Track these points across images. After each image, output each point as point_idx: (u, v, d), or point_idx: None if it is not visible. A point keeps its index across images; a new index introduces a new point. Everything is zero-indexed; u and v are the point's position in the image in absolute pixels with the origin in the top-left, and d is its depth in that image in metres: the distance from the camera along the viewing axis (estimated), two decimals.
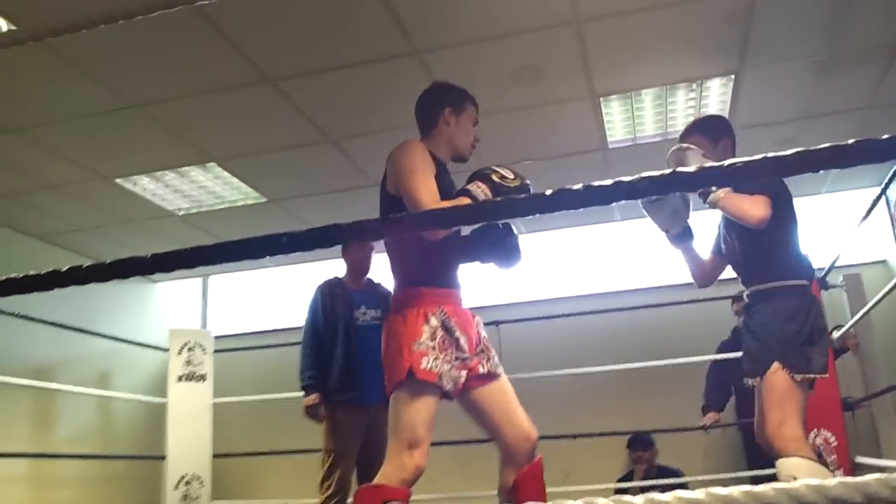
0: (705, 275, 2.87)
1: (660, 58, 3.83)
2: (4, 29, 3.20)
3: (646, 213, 2.74)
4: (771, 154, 0.85)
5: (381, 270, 4.32)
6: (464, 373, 2.34)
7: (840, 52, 3.83)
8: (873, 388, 4.47)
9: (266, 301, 7.08)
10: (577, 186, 0.93)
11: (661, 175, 0.90)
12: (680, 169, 0.91)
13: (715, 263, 2.87)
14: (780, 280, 2.60)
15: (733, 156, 2.76)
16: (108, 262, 1.12)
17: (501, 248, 2.52)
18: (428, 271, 2.42)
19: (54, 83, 3.71)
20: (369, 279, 4.21)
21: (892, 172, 3.66)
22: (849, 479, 0.75)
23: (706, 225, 2.91)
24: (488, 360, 2.47)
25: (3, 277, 1.11)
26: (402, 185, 2.35)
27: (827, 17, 3.54)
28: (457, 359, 2.31)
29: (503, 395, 2.47)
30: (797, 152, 0.84)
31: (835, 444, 4.04)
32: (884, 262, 5.60)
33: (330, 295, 4.11)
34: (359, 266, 4.15)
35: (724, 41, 3.70)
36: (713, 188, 2.52)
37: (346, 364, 3.95)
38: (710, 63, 3.90)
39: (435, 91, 2.68)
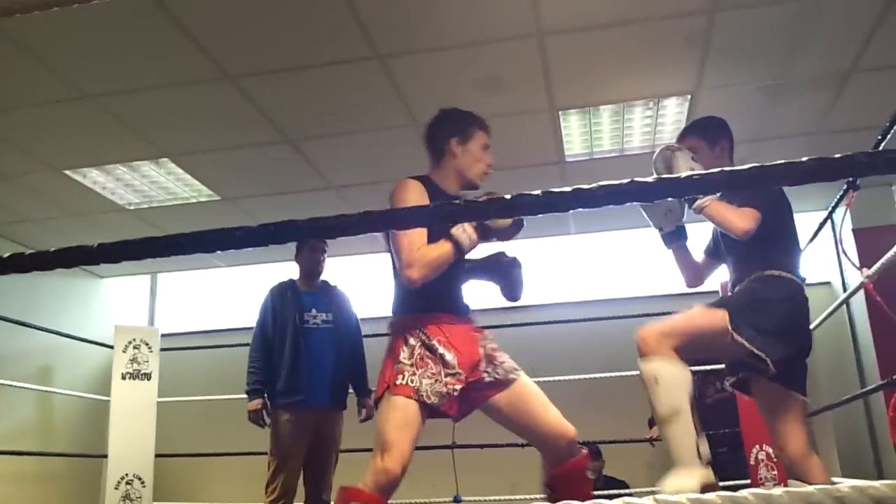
0: (695, 275, 2.88)
1: (619, 74, 3.88)
2: None
3: (642, 211, 2.77)
4: (728, 168, 0.87)
5: (336, 272, 4.34)
6: (456, 386, 2.43)
7: (793, 78, 3.93)
8: (815, 405, 4.58)
9: (216, 301, 6.98)
10: (537, 192, 0.94)
11: (619, 184, 0.92)
12: (638, 179, 0.92)
13: (707, 264, 2.89)
14: (776, 269, 2.56)
15: (731, 159, 2.81)
16: (52, 250, 1.09)
17: (508, 278, 2.66)
18: (412, 300, 2.55)
19: (7, 72, 3.62)
20: (324, 281, 4.18)
21: (837, 197, 3.77)
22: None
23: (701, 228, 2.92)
24: (495, 368, 2.56)
25: None
26: (391, 238, 2.50)
27: (782, 43, 3.63)
28: (444, 374, 2.42)
29: (525, 398, 2.57)
30: (754, 167, 0.86)
31: (776, 458, 4.12)
32: (828, 283, 5.75)
33: (280, 297, 4.09)
34: (310, 268, 4.13)
35: (683, 61, 3.77)
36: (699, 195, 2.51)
37: (294, 367, 3.93)
38: (668, 82, 3.97)
39: (440, 120, 2.69)
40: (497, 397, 2.55)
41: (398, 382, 2.41)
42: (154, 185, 4.96)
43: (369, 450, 2.45)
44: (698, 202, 2.54)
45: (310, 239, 3.88)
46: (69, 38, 3.38)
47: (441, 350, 2.46)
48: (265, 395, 3.97)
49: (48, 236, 5.74)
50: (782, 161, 0.85)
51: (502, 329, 5.45)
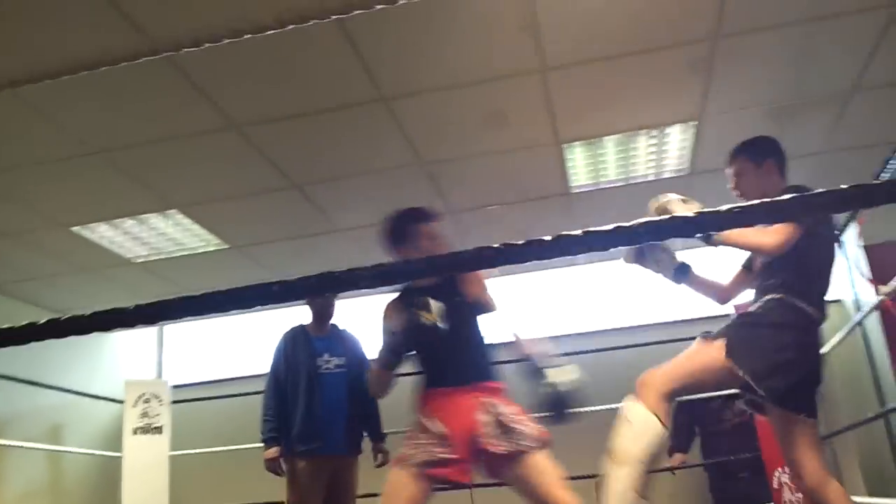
0: (723, 294, 2.85)
1: (622, 105, 3.90)
2: None
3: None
4: (737, 205, 0.86)
5: (346, 316, 4.31)
6: (443, 454, 2.59)
7: (798, 99, 3.95)
8: (834, 426, 4.54)
9: (224, 349, 6.93)
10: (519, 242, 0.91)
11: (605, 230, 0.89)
12: (623, 224, 0.89)
13: (741, 278, 2.85)
14: (793, 296, 2.49)
15: (782, 177, 2.78)
16: (87, 314, 1.06)
17: (557, 413, 2.78)
18: (421, 378, 2.82)
19: (13, 128, 3.62)
20: (334, 325, 4.16)
21: (846, 219, 3.78)
22: None
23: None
24: (509, 439, 2.61)
25: None
26: None
27: (785, 65, 3.66)
28: (431, 444, 2.60)
29: (532, 472, 2.63)
30: (763, 202, 0.85)
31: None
32: (839, 301, 5.72)
33: (293, 343, 4.06)
34: (321, 312, 4.10)
35: (686, 89, 3.79)
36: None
37: (309, 413, 3.88)
38: (672, 110, 3.99)
39: (383, 232, 2.92)
40: (509, 468, 2.64)
41: (398, 455, 2.71)
42: (162, 236, 4.95)
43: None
44: (715, 236, 2.48)
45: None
46: (76, 94, 3.39)
47: (428, 424, 2.65)
48: (281, 442, 3.93)
49: (55, 293, 5.72)
50: (792, 196, 0.83)
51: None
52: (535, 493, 2.62)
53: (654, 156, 4.43)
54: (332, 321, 4.15)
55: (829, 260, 2.63)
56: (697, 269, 2.83)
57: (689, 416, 4.82)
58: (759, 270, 2.69)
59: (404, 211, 2.92)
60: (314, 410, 3.89)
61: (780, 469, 4.38)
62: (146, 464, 5.44)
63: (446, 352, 2.75)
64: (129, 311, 1.02)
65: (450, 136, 4.06)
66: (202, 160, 4.08)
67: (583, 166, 4.51)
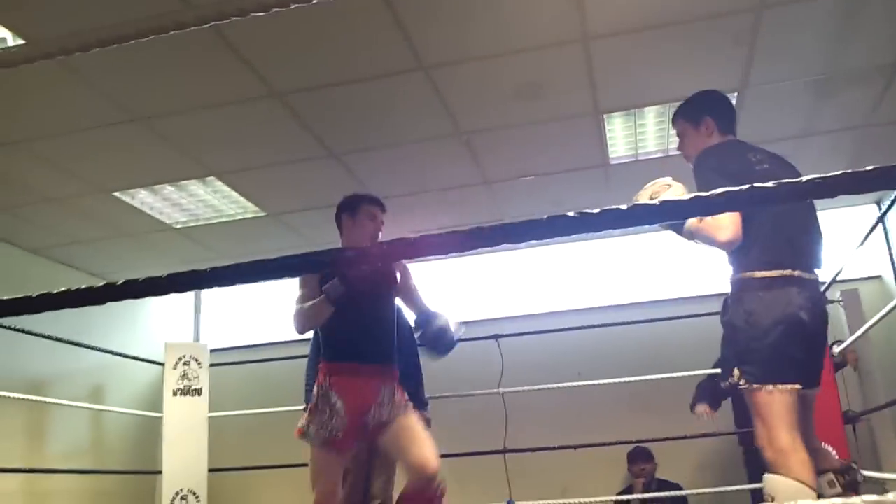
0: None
1: (664, 75, 3.86)
2: (11, 44, 3.17)
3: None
4: (759, 185, 0.85)
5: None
6: (339, 432, 2.93)
7: (841, 72, 3.88)
8: (872, 402, 4.52)
9: (260, 313, 7.03)
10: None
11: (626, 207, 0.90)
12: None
13: None
14: (755, 269, 2.37)
15: (722, 133, 2.65)
16: (141, 279, 1.08)
17: (429, 341, 3.12)
18: (325, 347, 3.13)
19: (58, 95, 3.68)
20: None
21: (893, 198, 3.71)
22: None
23: None
24: (390, 411, 3.03)
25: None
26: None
27: (829, 36, 3.59)
28: (330, 419, 2.93)
29: (402, 432, 3.02)
30: (780, 183, 0.84)
31: (836, 457, 4.06)
32: (879, 277, 5.66)
33: None
34: None
35: (728, 59, 3.74)
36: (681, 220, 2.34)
37: None
38: (714, 80, 3.90)
39: (337, 206, 3.41)
40: (383, 434, 3.05)
41: (299, 424, 3.02)
42: (201, 203, 5.02)
43: None
44: (686, 226, 2.39)
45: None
46: (121, 62, 3.43)
47: (334, 399, 2.95)
48: None
49: (96, 257, 5.83)
50: (810, 177, 0.83)
51: (552, 334, 5.46)
52: (394, 448, 3.07)
53: None
54: None
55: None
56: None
57: (716, 382, 4.80)
58: None
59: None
60: None
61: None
62: (186, 424, 5.58)
63: (363, 325, 3.09)
64: (162, 279, 1.04)
65: (488, 106, 4.05)
66: (242, 128, 4.12)
67: (622, 137, 4.48)
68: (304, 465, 4.67)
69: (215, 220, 5.32)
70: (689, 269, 5.89)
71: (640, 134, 4.43)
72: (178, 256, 5.87)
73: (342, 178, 4.71)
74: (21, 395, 4.83)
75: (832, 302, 4.54)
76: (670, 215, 0.99)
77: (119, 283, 1.05)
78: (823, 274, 4.43)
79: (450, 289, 6.19)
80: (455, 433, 4.80)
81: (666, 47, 3.60)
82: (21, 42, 3.16)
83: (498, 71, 3.73)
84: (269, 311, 6.87)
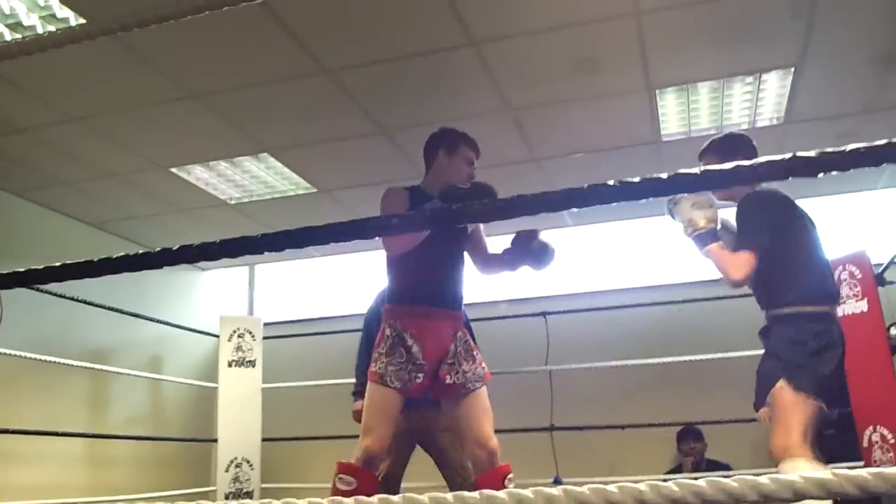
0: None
1: (719, 50, 3.79)
2: (74, 23, 3.27)
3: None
4: (803, 154, 0.83)
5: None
6: (419, 375, 2.85)
7: None
8: None
9: (311, 290, 7.16)
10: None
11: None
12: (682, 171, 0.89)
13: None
14: (791, 306, 2.61)
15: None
16: (195, 244, 1.11)
17: (533, 255, 3.06)
18: (396, 292, 3.01)
19: (117, 73, 3.78)
20: None
21: None
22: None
23: None
24: (457, 372, 2.91)
25: (60, 263, 1.14)
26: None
27: (890, 11, 3.47)
28: (408, 363, 2.83)
29: (468, 410, 2.92)
30: (822, 152, 0.83)
31: (892, 440, 3.99)
32: None
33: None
34: None
35: (786, 33, 3.65)
36: (708, 241, 2.65)
37: None
38: (770, 55, 3.85)
39: (433, 136, 3.24)
40: (452, 400, 2.95)
41: (372, 369, 2.88)
42: (254, 179, 5.11)
43: None
44: (706, 247, 2.64)
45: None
46: (177, 40, 3.51)
47: (410, 342, 2.85)
48: None
49: (152, 232, 5.99)
50: (827, 149, 0.81)
51: (600, 312, 5.45)
52: (459, 426, 2.99)
53: (749, 103, 4.29)
54: None
55: (805, 238, 2.69)
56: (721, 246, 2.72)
57: None
58: (756, 277, 2.66)
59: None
60: None
61: (871, 427, 4.28)
62: (240, 395, 5.73)
63: (438, 266, 2.99)
64: (215, 244, 1.08)
65: (538, 82, 4.03)
66: (293, 105, 4.17)
67: (674, 113, 4.41)
68: (354, 436, 4.78)
69: (268, 196, 5.42)
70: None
71: (693, 110, 4.36)
72: (231, 232, 5.93)
73: (391, 154, 4.75)
74: (84, 364, 5.03)
75: (889, 283, 4.43)
76: (712, 184, 0.99)
77: (175, 247, 1.10)
78: (881, 254, 4.36)
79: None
80: (502, 409, 4.82)
81: (719, 21, 3.53)
82: (83, 21, 3.25)
83: (548, 46, 3.70)
84: (320, 287, 6.98)
